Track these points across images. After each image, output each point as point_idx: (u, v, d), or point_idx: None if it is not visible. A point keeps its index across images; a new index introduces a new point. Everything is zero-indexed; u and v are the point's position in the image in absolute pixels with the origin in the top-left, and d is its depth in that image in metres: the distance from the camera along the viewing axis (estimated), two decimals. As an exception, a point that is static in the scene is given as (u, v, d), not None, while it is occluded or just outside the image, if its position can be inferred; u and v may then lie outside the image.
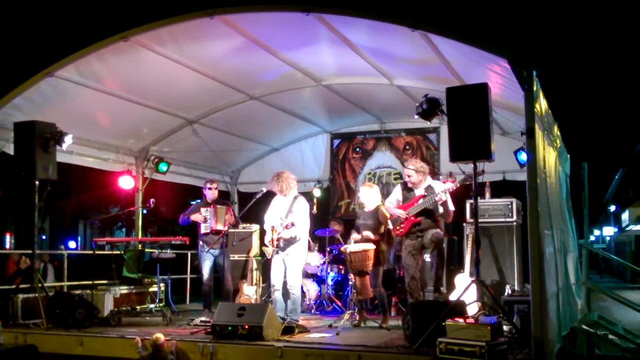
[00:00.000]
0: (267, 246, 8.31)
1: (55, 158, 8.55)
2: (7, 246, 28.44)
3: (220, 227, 9.18)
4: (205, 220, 9.26)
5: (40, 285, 8.44)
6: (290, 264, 8.19)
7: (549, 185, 7.22)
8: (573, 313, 8.90)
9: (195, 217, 9.35)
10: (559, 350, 6.77)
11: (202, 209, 9.34)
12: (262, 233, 9.17)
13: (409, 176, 8.27)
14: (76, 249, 29.00)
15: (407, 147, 12.30)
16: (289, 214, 8.22)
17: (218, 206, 9.36)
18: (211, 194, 9.51)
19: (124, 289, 9.88)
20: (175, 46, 8.35)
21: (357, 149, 12.78)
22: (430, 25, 6.88)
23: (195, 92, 9.93)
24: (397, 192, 8.50)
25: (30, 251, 8.76)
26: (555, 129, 8.49)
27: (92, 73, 8.67)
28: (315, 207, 11.54)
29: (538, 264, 6.13)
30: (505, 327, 6.52)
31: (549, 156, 7.55)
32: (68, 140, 8.50)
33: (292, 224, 8.03)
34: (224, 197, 10.60)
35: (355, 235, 8.59)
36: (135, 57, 8.38)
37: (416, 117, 7.47)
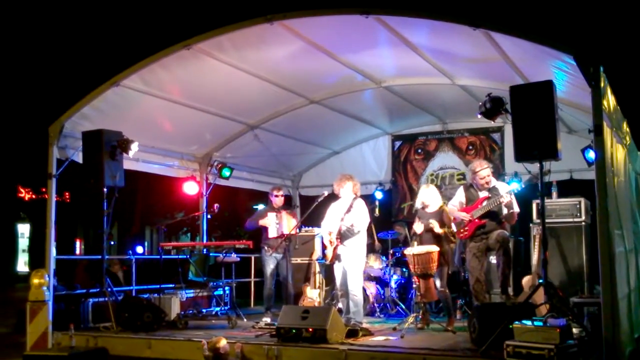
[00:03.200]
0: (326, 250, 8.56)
1: (122, 165, 8.75)
2: (77, 252, 29.29)
3: (287, 232, 9.28)
4: (274, 225, 9.42)
5: (109, 289, 8.66)
6: (350, 268, 8.31)
7: (618, 184, 7.01)
8: (646, 315, 8.61)
9: (264, 221, 9.50)
10: (631, 352, 6.56)
11: (270, 214, 9.50)
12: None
13: (487, 176, 8.08)
14: (143, 254, 29.59)
15: (470, 147, 12.12)
16: (350, 210, 8.35)
17: (287, 212, 9.60)
18: (278, 200, 9.72)
19: (190, 293, 10.05)
20: (236, 53, 8.45)
21: (419, 150, 12.66)
22: (492, 23, 6.77)
23: (256, 97, 10.02)
24: (460, 195, 8.36)
25: (99, 256, 8.99)
26: (625, 126, 8.23)
27: (157, 81, 8.86)
28: (377, 210, 11.48)
29: (608, 265, 5.98)
30: (574, 330, 6.35)
31: (618, 154, 7.33)
32: (134, 147, 8.66)
33: (353, 225, 8.23)
34: (286, 201, 10.75)
35: (418, 225, 8.50)
36: (197, 64, 8.52)
37: (479, 116, 7.34)
